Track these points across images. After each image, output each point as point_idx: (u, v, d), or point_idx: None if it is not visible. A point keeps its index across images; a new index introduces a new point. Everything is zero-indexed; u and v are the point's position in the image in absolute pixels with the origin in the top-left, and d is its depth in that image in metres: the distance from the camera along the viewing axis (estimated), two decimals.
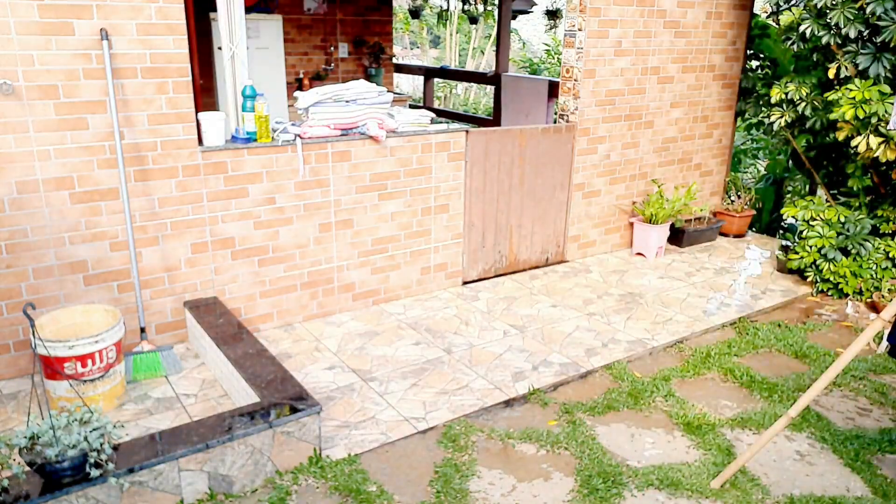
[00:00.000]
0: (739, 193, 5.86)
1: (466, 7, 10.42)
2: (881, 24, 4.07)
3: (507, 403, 3.20)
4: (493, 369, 3.47)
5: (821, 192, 5.15)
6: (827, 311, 4.44)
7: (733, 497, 2.60)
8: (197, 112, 3.36)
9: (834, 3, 4.25)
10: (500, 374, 3.42)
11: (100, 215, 3.19)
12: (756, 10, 5.60)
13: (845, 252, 4.51)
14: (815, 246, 4.51)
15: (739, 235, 5.81)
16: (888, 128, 3.31)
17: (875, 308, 4.37)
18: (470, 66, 14.26)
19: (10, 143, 2.91)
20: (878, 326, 2.31)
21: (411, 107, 7.29)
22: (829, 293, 4.61)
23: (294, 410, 2.62)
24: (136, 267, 3.24)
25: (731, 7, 5.36)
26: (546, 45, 11.88)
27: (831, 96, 4.38)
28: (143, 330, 3.34)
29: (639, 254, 5.28)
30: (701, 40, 5.28)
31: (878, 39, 4.13)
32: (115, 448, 2.31)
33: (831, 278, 4.50)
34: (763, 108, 5.32)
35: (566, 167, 4.86)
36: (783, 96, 4.81)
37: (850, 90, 4.17)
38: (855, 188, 4.67)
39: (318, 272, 3.90)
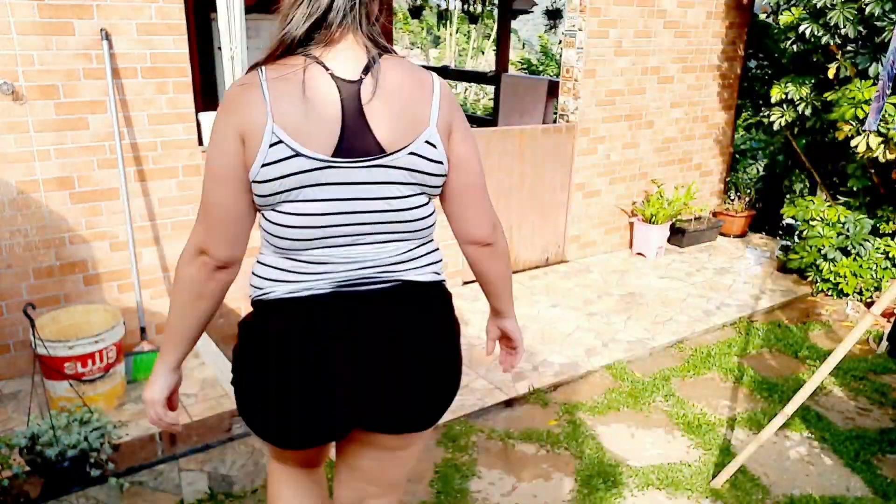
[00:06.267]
0: (739, 193, 5.86)
1: (466, 7, 10.42)
2: (880, 24, 4.07)
3: (507, 403, 3.20)
4: (493, 369, 3.47)
5: (821, 192, 5.14)
6: (827, 311, 4.44)
7: (733, 497, 2.60)
8: (197, 112, 3.36)
9: (833, 3, 4.25)
10: (500, 374, 3.42)
11: (100, 215, 3.19)
12: (756, 10, 5.60)
13: (845, 252, 4.51)
14: (815, 246, 4.51)
15: (739, 235, 5.82)
16: (863, 128, 3.30)
17: None
18: (470, 66, 14.27)
19: (10, 143, 2.91)
20: (868, 321, 2.31)
21: None
22: (829, 293, 4.61)
23: None
24: (135, 267, 3.24)
25: (731, 7, 5.36)
26: (543, 46, 11.89)
27: (831, 96, 4.38)
28: (143, 330, 3.35)
29: (639, 254, 5.28)
30: (701, 40, 5.28)
31: (878, 40, 4.13)
32: (115, 448, 2.31)
33: (831, 278, 4.50)
34: (763, 108, 5.32)
35: (566, 167, 4.86)
36: (783, 96, 4.81)
37: (850, 90, 4.17)
38: (855, 188, 4.67)
39: None
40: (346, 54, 1.27)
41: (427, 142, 1.29)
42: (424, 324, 1.39)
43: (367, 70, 1.26)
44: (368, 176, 1.26)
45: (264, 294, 1.37)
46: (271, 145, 1.20)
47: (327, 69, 1.25)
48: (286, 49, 1.26)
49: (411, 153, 1.28)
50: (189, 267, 1.34)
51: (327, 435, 1.39)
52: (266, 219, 1.31)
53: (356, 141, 1.24)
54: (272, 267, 1.36)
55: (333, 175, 1.25)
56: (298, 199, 1.25)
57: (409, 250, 1.37)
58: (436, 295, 1.41)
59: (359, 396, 1.33)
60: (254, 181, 1.24)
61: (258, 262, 1.40)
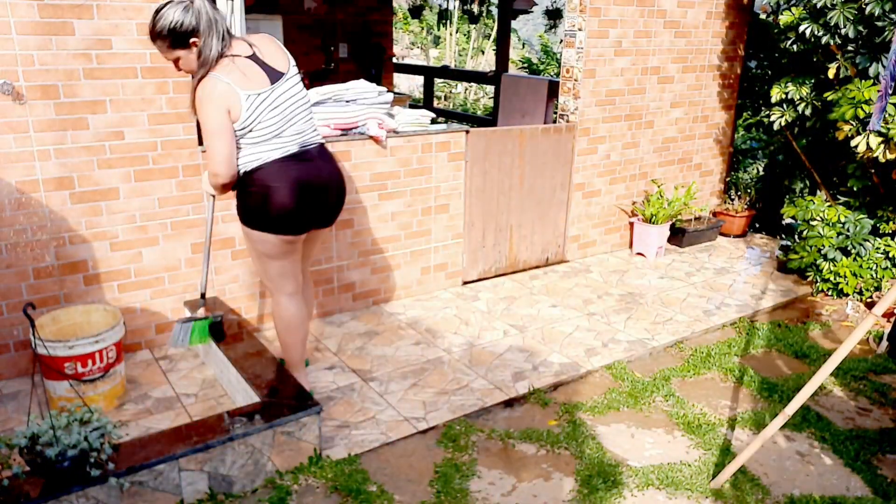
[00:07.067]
0: (739, 193, 5.86)
1: (466, 7, 10.42)
2: (880, 24, 4.07)
3: (507, 403, 3.20)
4: (493, 369, 3.47)
5: (821, 192, 5.14)
6: (827, 311, 4.45)
7: (733, 497, 2.60)
8: None
9: (833, 3, 4.25)
10: (500, 374, 3.42)
11: (100, 215, 3.19)
12: (756, 9, 5.60)
13: (845, 252, 4.51)
14: (815, 246, 4.51)
15: (739, 235, 5.82)
16: (868, 128, 3.30)
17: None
18: (470, 66, 14.26)
19: (10, 143, 2.91)
20: (870, 322, 2.31)
21: (411, 106, 7.29)
22: (829, 293, 4.61)
23: (294, 410, 2.63)
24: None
25: (731, 7, 5.36)
26: (544, 45, 11.88)
27: (831, 96, 4.38)
28: (202, 296, 3.19)
29: (639, 254, 5.28)
30: (701, 40, 5.28)
31: (878, 40, 4.13)
32: (115, 448, 2.30)
33: (831, 278, 4.50)
34: (763, 108, 5.32)
35: (566, 167, 4.86)
36: (783, 96, 4.81)
37: (850, 90, 4.17)
38: (855, 188, 4.67)
39: (317, 272, 3.90)
40: (240, 48, 2.51)
41: (292, 65, 2.61)
42: (334, 161, 2.81)
43: (250, 47, 2.53)
44: (288, 85, 2.57)
45: (267, 160, 2.57)
46: (246, 99, 2.45)
47: (240, 56, 2.49)
48: (213, 61, 2.43)
49: (295, 73, 2.60)
50: (214, 183, 2.58)
51: (316, 216, 2.76)
52: (256, 134, 2.52)
53: (274, 75, 2.53)
54: (265, 150, 2.56)
55: (276, 92, 2.53)
56: (267, 110, 2.50)
57: (314, 127, 2.72)
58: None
59: (319, 196, 2.71)
60: (245, 119, 2.46)
61: (250, 158, 2.56)
